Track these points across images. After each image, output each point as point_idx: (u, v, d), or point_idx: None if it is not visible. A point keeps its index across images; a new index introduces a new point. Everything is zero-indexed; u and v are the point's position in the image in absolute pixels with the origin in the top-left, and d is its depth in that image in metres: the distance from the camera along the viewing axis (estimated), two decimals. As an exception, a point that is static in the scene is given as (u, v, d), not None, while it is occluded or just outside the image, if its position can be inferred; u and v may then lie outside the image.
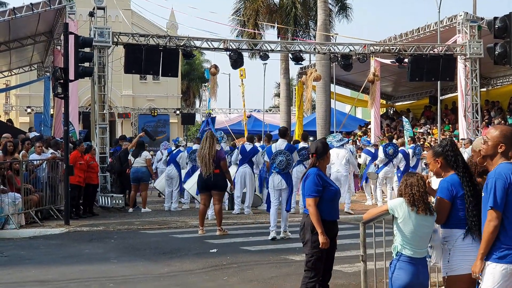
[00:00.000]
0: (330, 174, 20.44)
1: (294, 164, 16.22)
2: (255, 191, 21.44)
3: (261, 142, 23.53)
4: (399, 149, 22.57)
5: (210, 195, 16.24)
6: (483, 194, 6.24)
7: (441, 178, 6.93)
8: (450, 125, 34.90)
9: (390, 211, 6.79)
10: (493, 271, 6.13)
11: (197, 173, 20.34)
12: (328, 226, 8.33)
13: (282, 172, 15.56)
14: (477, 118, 27.92)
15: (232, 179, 17.95)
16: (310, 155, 8.87)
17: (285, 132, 16.86)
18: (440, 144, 7.16)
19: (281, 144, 15.95)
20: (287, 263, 12.76)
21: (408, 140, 26.52)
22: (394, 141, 23.99)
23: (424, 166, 24.35)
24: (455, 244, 6.67)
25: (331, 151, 20.45)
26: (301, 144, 20.43)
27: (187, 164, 22.22)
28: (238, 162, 20.54)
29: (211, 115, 36.69)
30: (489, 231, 6.07)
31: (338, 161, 20.45)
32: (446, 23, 28.80)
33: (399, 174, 22.11)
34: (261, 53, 26.52)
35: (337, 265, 9.12)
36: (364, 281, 6.72)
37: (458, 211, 6.66)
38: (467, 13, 28.22)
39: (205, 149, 15.77)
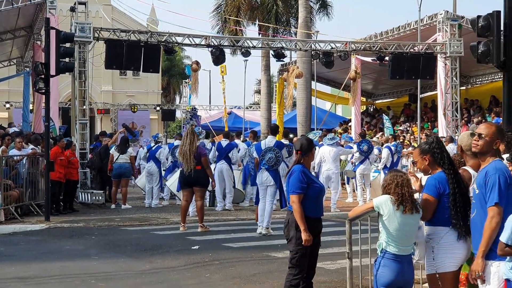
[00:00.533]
0: (319, 172, 20.57)
1: (282, 161, 16.18)
2: (234, 187, 21.47)
3: (241, 138, 23.50)
4: (384, 146, 22.65)
5: (192, 191, 16.18)
6: (477, 190, 6.22)
7: (429, 176, 6.93)
8: (429, 123, 35.03)
9: (376, 208, 6.78)
10: (497, 270, 6.14)
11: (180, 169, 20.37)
12: (312, 223, 8.32)
13: (271, 169, 15.58)
14: (456, 116, 28.05)
15: None
16: (295, 152, 8.86)
17: (276, 129, 17.04)
18: (426, 141, 7.15)
19: (270, 140, 16.02)
20: (269, 260, 12.75)
21: (389, 138, 26.60)
22: (375, 138, 24.10)
23: (409, 165, 24.51)
24: (440, 242, 6.67)
25: (323, 148, 20.69)
26: (281, 141, 20.43)
27: (167, 160, 22.18)
28: (215, 159, 20.50)
29: (197, 110, 36.61)
30: (492, 228, 6.05)
31: (330, 159, 20.44)
32: (426, 21, 28.91)
33: (386, 172, 22.15)
34: (243, 50, 26.48)
35: (320, 262, 9.09)
36: (350, 278, 6.72)
37: (444, 208, 6.65)
38: (448, 11, 28.34)
39: (185, 145, 15.74)
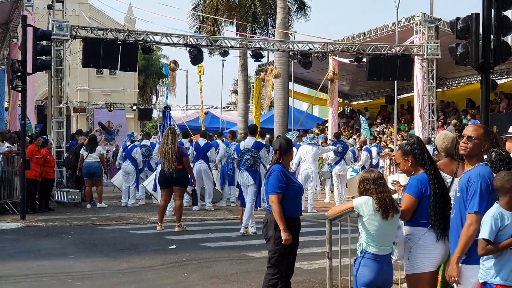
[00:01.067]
0: (296, 172, 20.65)
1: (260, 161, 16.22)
2: (215, 186, 21.49)
3: (222, 139, 23.50)
4: (364, 147, 22.75)
5: (171, 191, 16.20)
6: (458, 194, 6.24)
7: (411, 177, 6.95)
8: (406, 125, 35.21)
9: (355, 209, 6.79)
10: (472, 274, 6.18)
11: (158, 169, 20.37)
12: (291, 223, 8.33)
13: (250, 169, 15.63)
14: (433, 118, 28.21)
15: None
16: (273, 152, 8.87)
17: (254, 130, 16.99)
18: (407, 142, 7.17)
19: (249, 141, 16.11)
20: (247, 260, 12.75)
21: (370, 139, 26.68)
22: (351, 140, 24.19)
23: (386, 166, 24.62)
24: (418, 242, 6.72)
25: (302, 148, 20.78)
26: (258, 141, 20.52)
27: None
28: (193, 159, 20.47)
29: (170, 109, 36.47)
30: (469, 235, 6.06)
31: (310, 159, 20.51)
32: (404, 23, 29.02)
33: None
34: (221, 50, 26.46)
35: (297, 262, 9.08)
36: (329, 278, 6.74)
37: (424, 209, 6.69)
38: (425, 14, 28.49)
39: (167, 145, 15.71)
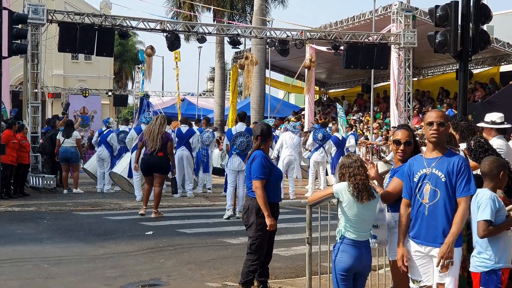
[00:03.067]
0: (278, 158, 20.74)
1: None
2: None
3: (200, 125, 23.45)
4: (333, 136, 22.76)
5: (153, 177, 16.20)
6: (443, 178, 6.24)
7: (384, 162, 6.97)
8: (382, 113, 35.34)
9: (335, 194, 6.79)
10: (458, 256, 6.30)
11: (127, 155, 20.27)
12: (272, 209, 8.37)
13: (242, 153, 15.67)
14: (408, 107, 28.32)
15: None
16: (253, 138, 8.88)
17: (244, 116, 17.25)
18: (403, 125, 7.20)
19: (241, 126, 16.22)
20: (224, 246, 12.77)
21: (346, 128, 26.71)
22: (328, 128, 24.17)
23: (362, 154, 24.65)
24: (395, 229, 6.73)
25: (284, 134, 20.89)
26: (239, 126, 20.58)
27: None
28: (175, 146, 20.40)
29: (149, 96, 36.29)
30: (466, 217, 6.27)
31: (293, 145, 20.61)
32: (381, 12, 29.08)
33: (331, 162, 22.28)
34: (198, 36, 26.36)
35: (275, 249, 9.13)
36: (309, 263, 6.75)
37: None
38: (402, 2, 28.52)
39: (155, 125, 15.74)
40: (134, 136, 19.92)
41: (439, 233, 6.20)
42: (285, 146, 20.50)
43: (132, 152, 19.82)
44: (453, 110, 28.54)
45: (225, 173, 17.37)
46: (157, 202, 16.37)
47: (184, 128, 20.68)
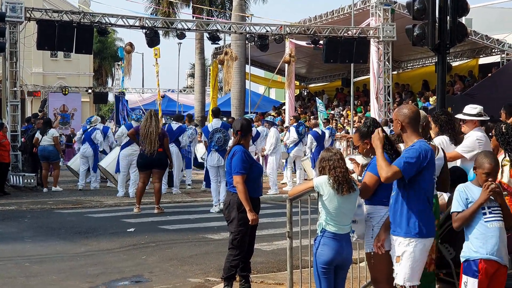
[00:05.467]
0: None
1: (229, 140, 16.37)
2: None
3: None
4: (313, 130, 22.84)
5: (150, 173, 16.23)
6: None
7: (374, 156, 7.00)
8: (362, 107, 35.43)
9: (316, 188, 6.80)
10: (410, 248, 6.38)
11: (115, 151, 20.25)
12: (254, 203, 8.39)
13: (220, 149, 15.78)
14: (388, 100, 28.38)
15: None
16: (234, 133, 8.89)
17: (218, 112, 17.52)
18: (364, 124, 7.21)
19: (216, 122, 16.41)
20: (206, 242, 12.80)
21: (323, 122, 26.80)
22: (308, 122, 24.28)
23: (343, 148, 24.73)
24: (380, 221, 6.75)
25: (274, 131, 20.99)
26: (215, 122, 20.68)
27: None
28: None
29: (125, 94, 36.25)
30: None
31: (279, 142, 20.84)
32: (360, 6, 29.11)
33: (310, 156, 22.35)
34: (177, 32, 26.34)
35: (256, 243, 9.15)
36: (290, 257, 6.75)
37: (385, 188, 6.69)
38: (379, -3, 28.63)
39: (151, 127, 15.71)
40: (124, 133, 19.82)
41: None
42: (278, 143, 20.72)
43: (122, 149, 19.81)
44: (430, 103, 28.74)
45: (205, 169, 17.45)
46: (158, 198, 16.51)
47: (175, 125, 20.65)
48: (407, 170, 6.22)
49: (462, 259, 6.39)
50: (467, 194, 6.36)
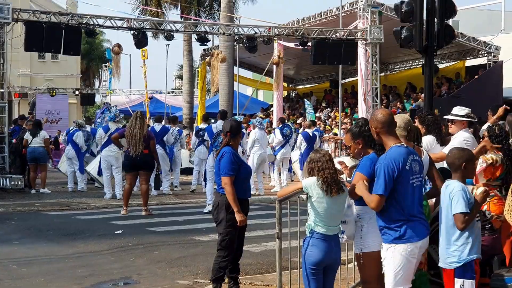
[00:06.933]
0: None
1: None
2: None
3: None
4: (304, 131, 22.91)
5: (136, 175, 16.21)
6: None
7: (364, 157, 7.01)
8: (349, 108, 35.47)
9: (305, 189, 6.81)
10: (392, 254, 6.39)
11: (101, 154, 20.27)
12: (242, 205, 8.41)
13: None
14: (376, 101, 28.42)
15: None
16: (223, 134, 8.91)
17: (225, 114, 17.81)
18: (356, 125, 7.21)
19: (221, 124, 16.23)
20: (194, 244, 12.80)
21: (309, 124, 26.88)
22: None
23: (331, 149, 24.75)
24: (370, 222, 6.75)
25: (256, 132, 21.02)
26: (201, 125, 20.67)
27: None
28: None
29: (110, 105, 36.36)
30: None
31: (265, 143, 20.87)
32: (347, 8, 29.13)
33: (299, 157, 22.37)
34: (166, 33, 26.31)
35: (245, 245, 9.15)
36: (279, 258, 6.76)
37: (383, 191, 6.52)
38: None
39: (136, 128, 15.69)
40: (102, 135, 19.87)
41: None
42: (257, 144, 20.56)
43: (101, 150, 19.86)
44: (414, 104, 28.84)
45: (194, 171, 17.49)
46: (146, 200, 16.51)
47: (157, 127, 20.75)
48: (382, 190, 6.28)
49: (457, 264, 6.39)
50: (468, 194, 6.40)
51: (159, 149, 19.70)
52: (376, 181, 6.35)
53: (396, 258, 6.31)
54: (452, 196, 6.34)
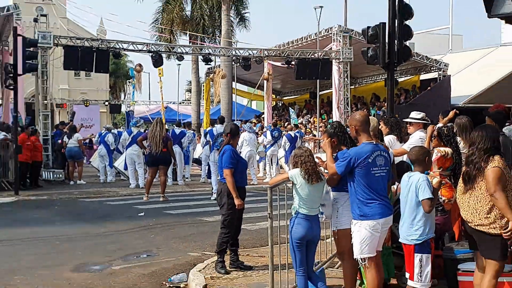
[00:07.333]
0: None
1: None
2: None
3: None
4: (287, 133, 22.90)
5: (156, 169, 16.30)
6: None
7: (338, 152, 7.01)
8: (326, 115, 35.38)
9: (290, 178, 6.81)
10: (359, 228, 6.49)
11: (126, 152, 20.24)
12: (240, 192, 8.41)
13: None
14: (347, 109, 28.38)
15: None
16: (224, 135, 8.93)
17: (223, 119, 18.10)
18: (331, 127, 7.22)
19: (220, 128, 16.40)
20: (202, 223, 12.82)
21: (293, 127, 26.82)
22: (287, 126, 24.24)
23: (311, 148, 24.72)
24: (344, 204, 6.76)
25: (244, 134, 21.04)
26: (208, 128, 20.89)
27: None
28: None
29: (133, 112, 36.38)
30: None
31: (252, 143, 20.84)
32: (323, 33, 29.04)
33: (285, 154, 22.34)
34: (177, 55, 26.30)
35: (242, 224, 9.13)
36: (271, 234, 6.75)
37: (355, 177, 6.59)
38: (340, 25, 28.57)
39: (156, 131, 15.83)
40: (126, 137, 20.09)
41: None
42: (245, 144, 20.50)
43: (126, 149, 19.91)
44: (379, 111, 28.82)
45: (202, 165, 17.57)
46: (163, 188, 16.63)
47: (177, 130, 20.99)
48: (340, 169, 6.40)
49: (416, 241, 6.40)
50: (429, 183, 6.44)
51: (177, 148, 19.78)
52: (340, 162, 6.44)
53: (361, 232, 6.34)
54: (419, 185, 6.33)
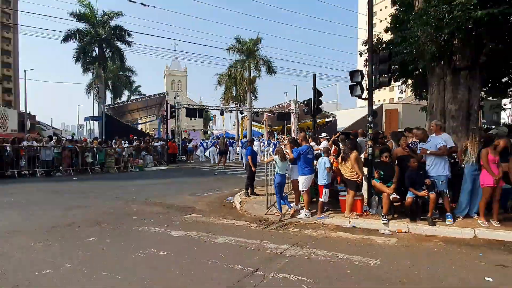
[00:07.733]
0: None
1: None
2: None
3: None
4: (273, 142, 22.12)
5: (221, 156, 14.91)
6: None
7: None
8: (288, 134, 34.42)
9: (275, 159, 6.68)
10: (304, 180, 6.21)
11: (210, 149, 18.44)
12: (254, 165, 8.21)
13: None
14: (297, 132, 27.70)
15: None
16: (249, 142, 8.80)
17: (251, 138, 15.79)
18: (291, 138, 7.03)
19: (246, 140, 15.12)
20: (241, 179, 11.85)
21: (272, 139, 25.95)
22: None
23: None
24: (295, 169, 6.58)
25: (256, 143, 18.08)
26: (243, 140, 19.69)
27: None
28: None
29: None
30: None
31: (258, 146, 19.12)
32: (287, 101, 28.77)
33: (272, 150, 21.51)
34: (230, 111, 26.18)
35: (255, 178, 8.83)
36: (266, 181, 6.66)
37: (302, 159, 6.40)
38: (295, 99, 28.38)
39: (224, 140, 14.83)
40: (209, 143, 18.28)
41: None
42: (256, 146, 18.31)
43: (210, 148, 18.28)
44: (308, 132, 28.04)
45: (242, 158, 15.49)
46: (224, 163, 14.88)
47: (244, 140, 19.31)
48: (294, 155, 6.20)
49: (324, 183, 6.18)
50: (328, 162, 6.14)
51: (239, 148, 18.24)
52: (294, 153, 6.22)
53: (302, 180, 6.20)
54: (324, 162, 6.15)
